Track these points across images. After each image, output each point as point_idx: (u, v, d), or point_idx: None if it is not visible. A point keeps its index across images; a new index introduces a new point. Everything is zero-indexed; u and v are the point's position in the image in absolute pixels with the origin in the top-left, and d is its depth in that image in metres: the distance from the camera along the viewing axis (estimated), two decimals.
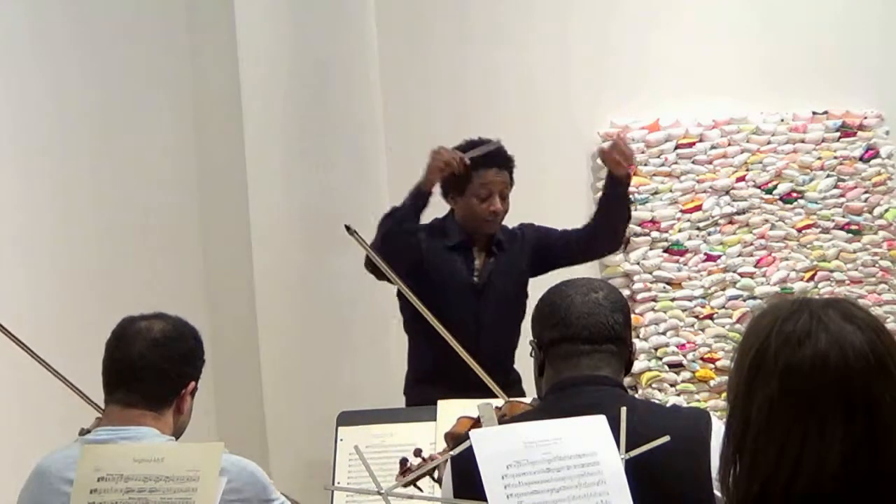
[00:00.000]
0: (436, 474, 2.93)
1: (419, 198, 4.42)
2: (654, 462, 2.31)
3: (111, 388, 2.92)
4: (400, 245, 4.36)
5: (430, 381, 4.40)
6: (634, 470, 2.25)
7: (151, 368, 2.88)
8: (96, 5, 5.40)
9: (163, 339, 2.92)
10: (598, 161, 6.04)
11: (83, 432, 3.02)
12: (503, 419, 2.95)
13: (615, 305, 2.66)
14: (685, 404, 5.84)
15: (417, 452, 2.95)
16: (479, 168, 4.48)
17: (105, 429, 2.88)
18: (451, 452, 2.40)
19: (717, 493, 2.42)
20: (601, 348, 2.61)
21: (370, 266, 4.29)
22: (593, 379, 2.58)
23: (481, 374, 3.68)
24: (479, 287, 4.53)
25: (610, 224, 4.62)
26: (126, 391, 2.88)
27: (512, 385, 4.53)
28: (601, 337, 2.61)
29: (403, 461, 2.93)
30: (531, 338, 2.73)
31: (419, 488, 2.94)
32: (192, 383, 2.97)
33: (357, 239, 3.71)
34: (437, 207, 4.60)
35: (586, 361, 2.60)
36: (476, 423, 2.99)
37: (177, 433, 2.95)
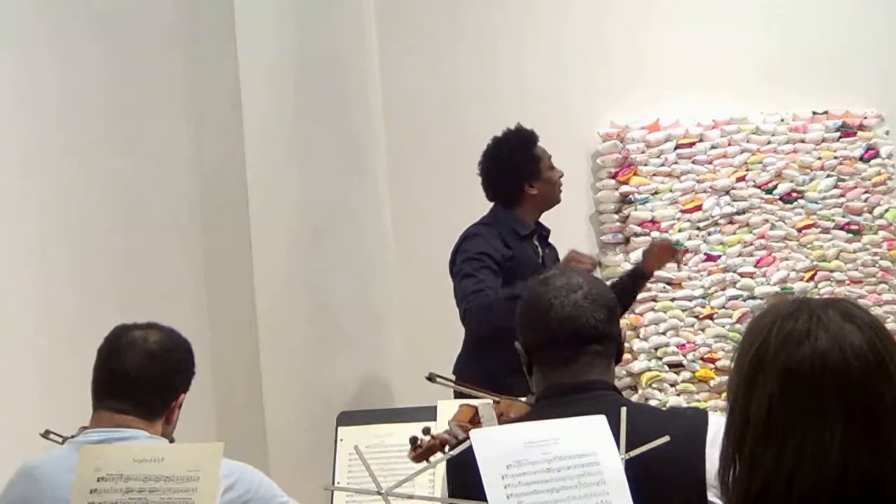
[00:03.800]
0: (447, 449, 2.96)
1: None
2: (649, 466, 2.30)
3: (103, 395, 2.91)
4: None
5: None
6: (632, 474, 2.24)
7: (146, 379, 2.87)
8: (97, 8, 5.40)
9: (159, 351, 2.91)
10: (599, 161, 6.06)
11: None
12: (500, 417, 2.96)
13: (596, 302, 2.60)
14: (685, 404, 5.84)
15: (426, 431, 2.97)
16: (534, 144, 4.68)
17: (96, 430, 2.86)
18: (451, 452, 2.40)
19: (714, 499, 2.40)
20: (585, 350, 2.57)
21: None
22: (583, 385, 2.55)
23: None
24: (543, 268, 4.57)
25: None
26: (118, 399, 2.87)
27: None
28: (584, 339, 2.57)
29: (414, 439, 2.95)
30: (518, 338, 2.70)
31: (430, 462, 2.96)
32: (182, 395, 2.96)
33: (444, 383, 3.66)
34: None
35: (574, 367, 2.56)
36: (477, 413, 3.01)
37: None
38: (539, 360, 2.62)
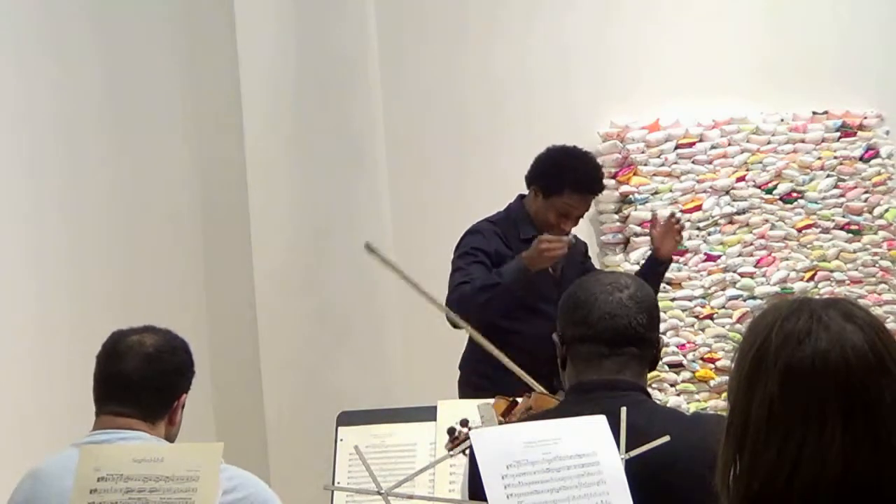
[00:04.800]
0: None
1: (525, 277, 4.37)
2: (671, 470, 2.30)
3: (104, 400, 2.93)
4: (500, 306, 4.42)
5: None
6: (646, 476, 2.24)
7: (146, 382, 2.90)
8: (96, 8, 5.40)
9: (156, 354, 2.93)
10: (599, 161, 6.05)
11: None
12: (529, 411, 2.96)
13: (641, 305, 2.62)
14: (685, 404, 5.85)
15: (465, 423, 2.96)
16: (572, 189, 4.54)
17: (100, 431, 2.88)
18: (452, 452, 2.40)
19: None
20: (623, 351, 2.59)
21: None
22: (615, 384, 2.56)
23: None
24: (557, 278, 4.54)
25: None
26: (120, 403, 2.89)
27: None
28: (623, 339, 2.59)
29: (451, 430, 2.95)
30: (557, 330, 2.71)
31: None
32: (184, 395, 2.98)
33: (378, 257, 3.68)
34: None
35: (607, 364, 2.58)
36: (511, 404, 3.01)
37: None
38: (575, 354, 2.62)
